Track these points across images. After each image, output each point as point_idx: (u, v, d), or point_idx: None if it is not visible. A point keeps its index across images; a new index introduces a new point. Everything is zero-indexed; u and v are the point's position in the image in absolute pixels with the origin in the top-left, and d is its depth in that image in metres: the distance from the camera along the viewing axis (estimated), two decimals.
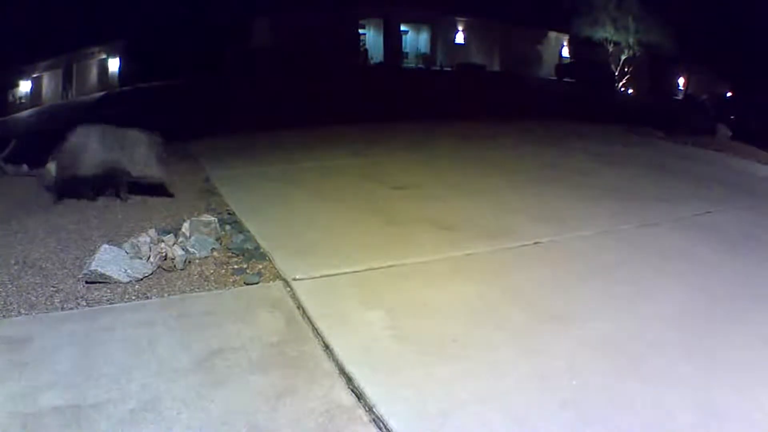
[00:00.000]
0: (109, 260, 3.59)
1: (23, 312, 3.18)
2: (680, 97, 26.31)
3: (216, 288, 3.56)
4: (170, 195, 5.57)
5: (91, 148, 5.37)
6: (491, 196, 5.66)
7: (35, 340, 2.85)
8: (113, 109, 16.81)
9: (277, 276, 3.69)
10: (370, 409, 2.37)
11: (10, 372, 2.58)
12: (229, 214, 4.90)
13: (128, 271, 3.60)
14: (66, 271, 3.74)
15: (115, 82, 22.30)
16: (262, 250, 4.08)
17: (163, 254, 3.79)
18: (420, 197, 5.56)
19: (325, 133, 9.20)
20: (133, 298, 3.40)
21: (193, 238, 4.09)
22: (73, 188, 5.46)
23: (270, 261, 3.90)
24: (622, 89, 24.88)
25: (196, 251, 3.96)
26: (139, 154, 5.44)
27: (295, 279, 3.58)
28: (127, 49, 21.68)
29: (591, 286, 3.64)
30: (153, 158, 5.47)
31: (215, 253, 4.04)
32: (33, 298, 3.34)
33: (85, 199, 5.43)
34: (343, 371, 2.64)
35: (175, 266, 3.76)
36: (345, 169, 6.65)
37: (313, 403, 2.42)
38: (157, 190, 5.54)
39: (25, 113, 20.38)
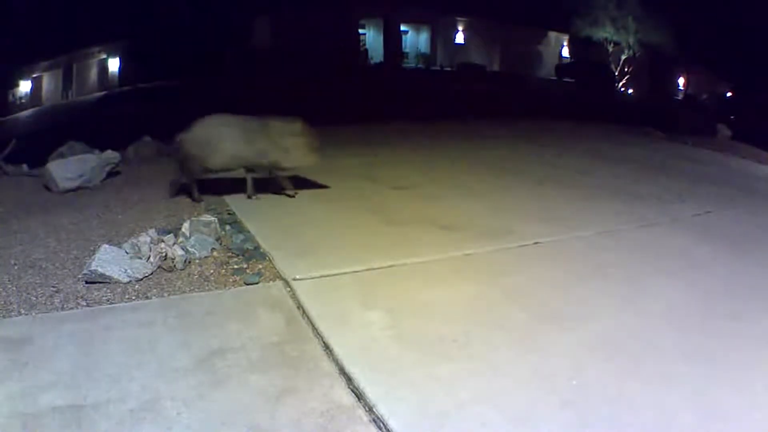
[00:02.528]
0: (109, 260, 3.59)
1: (23, 312, 3.18)
2: (680, 97, 26.32)
3: (216, 288, 3.56)
4: (325, 186, 5.49)
5: (227, 140, 5.03)
6: (491, 196, 5.66)
7: (35, 340, 2.85)
8: (113, 108, 16.83)
9: (277, 276, 3.69)
10: (370, 409, 2.37)
11: (10, 372, 2.58)
12: (229, 214, 4.90)
13: (128, 271, 3.60)
14: (66, 271, 3.74)
15: (115, 82, 22.31)
16: (262, 250, 4.08)
17: (163, 254, 3.79)
18: (420, 197, 5.56)
19: (325, 133, 9.15)
20: (133, 298, 3.40)
21: (193, 238, 4.09)
22: (204, 183, 5.16)
23: (270, 261, 3.90)
24: (622, 89, 24.88)
25: (196, 251, 3.96)
26: (286, 139, 5.14)
27: (295, 279, 3.58)
28: (127, 49, 21.68)
29: (591, 286, 3.64)
30: (302, 141, 5.19)
31: (215, 253, 4.04)
32: (33, 298, 3.34)
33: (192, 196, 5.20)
34: (343, 371, 2.64)
35: (175, 266, 3.76)
36: (345, 169, 6.64)
37: (313, 403, 2.42)
38: (309, 181, 5.48)
39: (25, 113, 20.39)
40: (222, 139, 5.03)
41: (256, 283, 3.61)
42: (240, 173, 5.34)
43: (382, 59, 25.35)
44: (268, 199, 5.35)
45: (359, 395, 2.46)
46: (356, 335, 2.95)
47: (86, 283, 3.53)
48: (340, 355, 2.74)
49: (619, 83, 24.73)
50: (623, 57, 24.33)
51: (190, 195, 5.28)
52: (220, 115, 5.18)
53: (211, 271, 3.80)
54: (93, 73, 23.10)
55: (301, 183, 5.66)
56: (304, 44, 20.82)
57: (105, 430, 2.23)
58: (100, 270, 3.52)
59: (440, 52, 27.56)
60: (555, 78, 26.71)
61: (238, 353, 2.79)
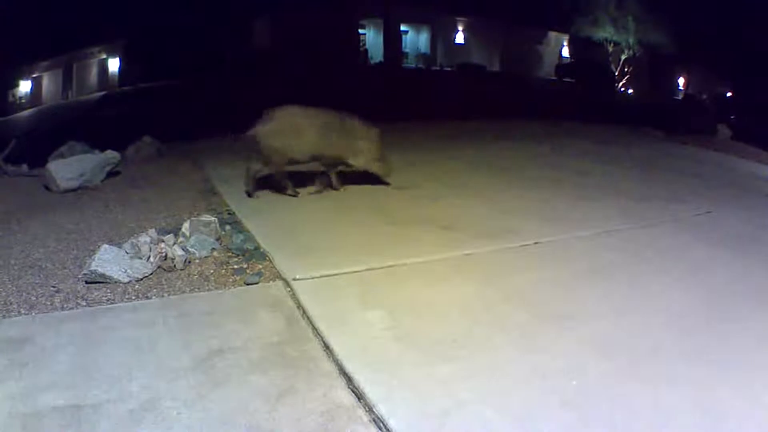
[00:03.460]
0: (109, 260, 3.59)
1: (23, 312, 3.18)
2: (680, 97, 26.31)
3: (216, 288, 3.56)
4: (387, 183, 5.55)
5: (308, 132, 5.06)
6: (491, 196, 5.66)
7: (35, 340, 2.85)
8: (113, 108, 16.82)
9: (277, 276, 3.69)
10: (370, 409, 2.37)
11: (10, 372, 2.58)
12: (229, 214, 4.90)
13: (128, 271, 3.60)
14: (66, 271, 3.74)
15: (115, 82, 22.31)
16: (262, 250, 4.08)
17: (163, 254, 3.79)
18: (420, 197, 5.56)
19: None
20: (133, 298, 3.40)
21: (193, 238, 4.09)
22: (280, 177, 5.24)
23: (270, 261, 3.90)
24: (622, 89, 24.88)
25: (196, 251, 3.96)
26: (359, 142, 5.27)
27: (295, 279, 3.58)
28: (127, 49, 21.68)
29: (591, 286, 3.64)
30: (375, 149, 5.34)
31: (215, 253, 4.04)
32: (33, 298, 3.34)
33: (287, 191, 5.27)
34: (343, 371, 2.64)
35: (175, 266, 3.77)
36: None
37: (313, 403, 2.42)
38: (371, 178, 5.55)
39: (25, 113, 20.39)
40: (306, 131, 5.08)
41: (256, 283, 3.61)
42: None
43: (382, 59, 25.35)
44: (267, 199, 5.35)
45: (359, 395, 2.46)
46: (356, 335, 2.95)
47: (86, 283, 3.53)
48: (340, 355, 2.74)
49: (619, 83, 24.73)
50: (623, 57, 24.33)
51: (279, 189, 5.36)
52: (297, 107, 5.24)
53: (211, 271, 3.80)
54: (93, 73, 23.10)
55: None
56: (304, 44, 20.81)
57: (105, 430, 2.23)
58: (100, 270, 3.52)
59: (440, 52, 27.56)
60: (555, 78, 26.70)
61: (238, 353, 2.79)
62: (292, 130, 5.06)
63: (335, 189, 5.40)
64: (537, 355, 2.81)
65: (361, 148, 5.31)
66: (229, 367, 2.67)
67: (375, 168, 5.47)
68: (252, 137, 5.10)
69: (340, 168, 5.44)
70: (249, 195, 5.27)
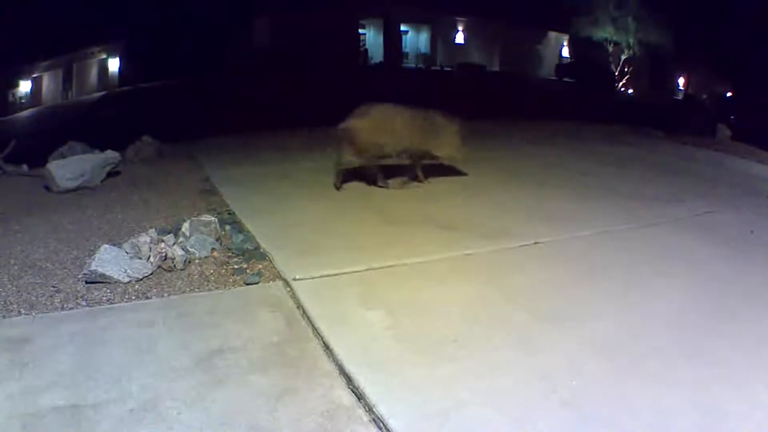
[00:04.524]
0: (109, 260, 3.59)
1: (23, 312, 3.18)
2: (680, 97, 26.31)
3: (216, 288, 3.56)
4: (464, 174, 5.87)
5: (402, 126, 5.33)
6: (491, 196, 5.66)
7: (35, 340, 2.85)
8: (113, 108, 16.83)
9: (277, 276, 3.69)
10: (370, 409, 2.37)
11: (10, 372, 2.58)
12: (229, 214, 4.90)
13: (128, 271, 3.60)
14: (66, 271, 3.74)
15: (115, 82, 22.32)
16: (262, 250, 4.08)
17: (163, 254, 3.79)
18: (419, 196, 5.56)
19: (326, 133, 9.16)
20: (133, 298, 3.40)
21: (193, 238, 4.09)
22: (367, 170, 5.55)
23: (270, 261, 3.90)
24: (622, 89, 24.88)
25: (196, 251, 3.96)
26: (444, 136, 5.54)
27: (295, 279, 3.58)
28: (127, 49, 21.69)
29: (591, 286, 3.64)
30: (457, 141, 5.60)
31: (215, 253, 4.04)
32: (33, 298, 3.34)
33: (378, 183, 5.55)
34: (343, 371, 2.64)
35: (175, 266, 3.77)
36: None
37: (313, 403, 2.42)
38: (450, 170, 5.86)
39: (25, 113, 20.40)
40: (398, 127, 5.39)
41: (256, 283, 3.61)
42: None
43: (382, 59, 25.36)
44: (268, 199, 5.35)
45: (359, 395, 2.46)
46: (356, 335, 2.95)
47: (86, 283, 3.53)
48: (340, 355, 2.74)
49: (619, 83, 24.73)
50: (623, 57, 24.33)
51: (374, 182, 5.67)
52: (384, 104, 5.53)
53: (211, 271, 3.80)
54: (93, 73, 23.11)
55: (316, 185, 5.65)
56: (304, 44, 20.82)
57: (105, 430, 2.23)
58: (100, 270, 3.52)
59: (440, 52, 27.57)
60: (555, 78, 26.71)
61: (238, 353, 2.79)
62: (386, 126, 5.36)
63: (420, 181, 5.73)
64: (537, 355, 2.81)
65: (444, 141, 5.59)
66: (229, 366, 2.67)
67: (457, 159, 5.76)
68: (346, 130, 5.37)
69: (425, 161, 5.74)
70: (336, 187, 5.58)
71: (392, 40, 25.84)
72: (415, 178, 5.82)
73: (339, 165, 5.57)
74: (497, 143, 8.80)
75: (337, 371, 2.65)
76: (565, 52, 29.37)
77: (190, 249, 3.96)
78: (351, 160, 5.52)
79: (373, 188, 5.81)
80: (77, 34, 19.03)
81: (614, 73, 24.70)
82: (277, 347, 2.85)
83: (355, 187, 5.89)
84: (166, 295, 3.45)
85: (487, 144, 8.68)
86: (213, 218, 4.36)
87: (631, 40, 23.77)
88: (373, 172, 5.63)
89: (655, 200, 5.67)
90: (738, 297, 3.55)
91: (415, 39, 27.78)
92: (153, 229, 4.17)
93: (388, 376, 2.58)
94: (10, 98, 20.80)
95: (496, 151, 8.16)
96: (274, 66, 19.25)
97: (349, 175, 5.68)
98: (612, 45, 24.33)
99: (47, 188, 5.81)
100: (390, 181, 5.73)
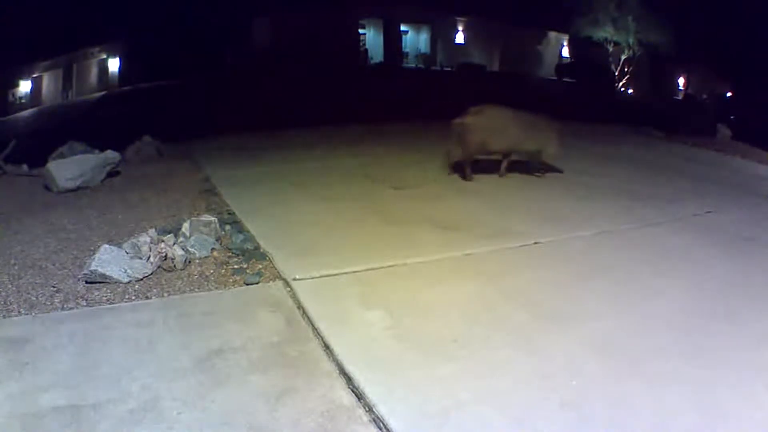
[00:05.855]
0: (109, 260, 3.59)
1: (23, 312, 3.18)
2: (680, 97, 26.30)
3: (216, 288, 3.56)
4: (560, 171, 6.39)
5: (509, 125, 5.90)
6: (491, 196, 5.66)
7: (35, 340, 2.85)
8: (113, 108, 16.83)
9: (277, 276, 3.69)
10: (370, 409, 2.37)
11: (10, 372, 2.58)
12: (229, 214, 4.90)
13: (128, 271, 3.60)
14: (66, 271, 3.74)
15: (115, 82, 22.31)
16: (262, 250, 4.08)
17: (163, 254, 3.79)
18: (419, 197, 5.56)
19: (326, 133, 9.20)
20: (133, 298, 3.40)
21: (193, 238, 4.09)
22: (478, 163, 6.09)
23: (270, 261, 3.90)
24: (622, 89, 24.86)
25: (196, 251, 3.96)
26: (545, 136, 6.02)
27: (295, 279, 3.58)
28: (127, 49, 21.68)
29: (591, 286, 3.64)
30: (556, 141, 6.08)
31: (215, 253, 4.04)
32: (33, 298, 3.34)
33: (465, 176, 6.09)
34: (343, 371, 2.64)
35: (175, 266, 3.76)
36: (345, 169, 6.65)
37: (313, 403, 2.42)
38: (548, 167, 6.35)
39: (25, 113, 20.40)
40: (507, 127, 5.90)
41: (256, 283, 3.61)
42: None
43: (382, 59, 25.34)
44: (268, 199, 5.35)
45: (359, 395, 2.46)
46: (356, 335, 2.95)
47: (86, 283, 3.53)
48: (340, 355, 2.74)
49: (619, 83, 24.72)
50: (623, 57, 24.30)
51: (462, 174, 6.14)
52: (493, 106, 6.06)
53: (211, 271, 3.80)
54: (93, 73, 23.10)
55: (316, 185, 5.66)
56: (303, 44, 20.81)
57: (105, 430, 2.23)
58: (100, 270, 3.52)
59: (440, 52, 27.53)
60: (555, 78, 26.69)
61: (238, 353, 2.79)
62: (495, 124, 5.90)
63: (501, 176, 6.21)
64: (537, 355, 2.81)
65: (544, 142, 6.07)
66: (229, 366, 2.67)
67: (558, 155, 6.21)
68: (460, 125, 5.94)
69: (532, 158, 6.27)
70: (454, 176, 6.17)
71: (392, 40, 25.82)
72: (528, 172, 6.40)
73: (451, 157, 6.15)
74: None
75: (337, 371, 2.65)
76: (565, 52, 29.33)
77: (190, 249, 3.96)
78: (461, 153, 6.05)
79: (373, 189, 5.82)
80: (77, 34, 19.02)
81: (614, 73, 24.68)
82: (277, 347, 2.85)
83: (354, 187, 5.90)
84: (166, 295, 3.45)
85: None
86: (213, 218, 4.36)
87: (631, 40, 23.73)
88: (464, 164, 6.13)
89: (655, 200, 5.67)
90: (738, 297, 3.55)
91: (415, 39, 27.76)
92: (153, 229, 4.16)
93: (388, 376, 2.58)
94: (10, 98, 20.80)
95: None
96: (274, 66, 19.25)
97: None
98: (612, 45, 24.30)
99: (47, 188, 5.81)
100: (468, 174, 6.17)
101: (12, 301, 3.29)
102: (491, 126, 5.87)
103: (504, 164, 6.24)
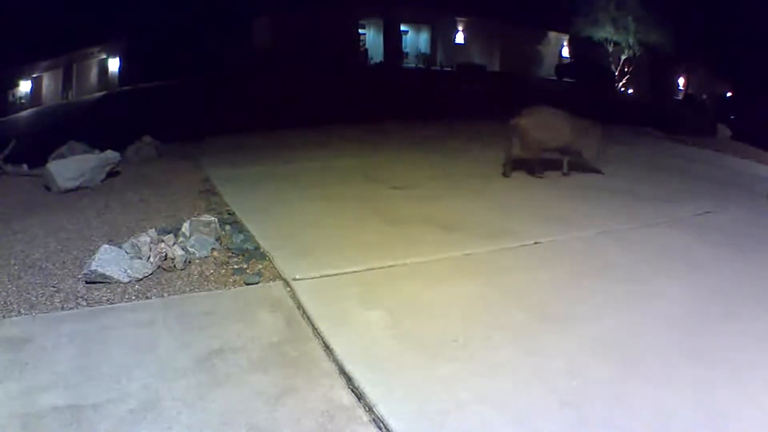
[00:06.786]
0: (109, 260, 3.59)
1: (23, 312, 3.18)
2: (680, 97, 26.30)
3: (216, 288, 3.56)
4: (601, 172, 6.54)
5: (561, 125, 6.23)
6: (491, 196, 5.66)
7: (35, 340, 2.85)
8: (113, 108, 16.82)
9: (277, 276, 3.69)
10: (370, 409, 2.37)
11: (10, 372, 2.59)
12: (229, 214, 4.90)
13: (128, 271, 3.60)
14: (66, 271, 3.74)
15: (115, 82, 22.29)
16: (262, 250, 4.08)
17: (163, 254, 3.79)
18: (420, 197, 5.56)
19: (326, 133, 9.20)
20: (133, 298, 3.40)
21: (193, 238, 4.09)
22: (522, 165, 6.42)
23: (270, 261, 3.90)
24: (622, 89, 24.86)
25: (196, 251, 3.96)
26: (590, 137, 6.32)
27: (295, 279, 3.58)
28: (127, 49, 21.67)
29: (591, 286, 3.64)
30: (597, 142, 6.39)
31: (215, 253, 4.04)
32: (33, 298, 3.34)
33: (536, 173, 6.41)
34: (343, 371, 2.64)
35: (175, 266, 3.76)
36: (345, 169, 6.65)
37: (313, 403, 2.42)
38: (588, 167, 6.57)
39: (25, 113, 20.38)
40: (560, 126, 6.25)
41: (256, 283, 3.61)
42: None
43: (382, 59, 25.34)
44: (268, 199, 5.35)
45: (359, 395, 2.46)
46: (356, 335, 2.95)
47: (86, 283, 3.53)
48: (340, 355, 2.74)
49: (619, 83, 24.72)
50: (623, 57, 24.30)
51: (532, 172, 6.47)
52: (546, 107, 6.45)
53: (211, 271, 3.80)
54: (93, 73, 23.08)
55: (316, 185, 5.66)
56: (303, 44, 20.80)
57: (105, 430, 2.23)
58: (100, 270, 3.52)
59: (440, 52, 27.54)
60: (555, 78, 26.69)
61: (238, 353, 2.79)
62: (548, 124, 6.24)
63: (565, 174, 6.50)
64: (537, 355, 2.81)
65: (589, 142, 6.36)
66: (229, 366, 2.67)
67: (596, 159, 6.50)
68: (515, 127, 6.29)
69: (576, 157, 6.52)
70: (505, 175, 6.42)
71: (392, 40, 25.81)
72: (562, 172, 6.61)
73: (508, 156, 6.42)
74: (497, 143, 8.79)
75: (337, 371, 2.65)
76: (565, 52, 29.33)
77: (190, 249, 3.96)
78: (518, 152, 6.35)
79: (373, 189, 5.82)
80: (77, 34, 19.00)
81: (614, 73, 24.68)
82: (277, 347, 2.85)
83: (355, 187, 5.89)
84: (166, 295, 3.45)
85: (487, 143, 8.68)
86: (213, 218, 4.36)
87: (631, 40, 23.74)
88: (533, 163, 6.44)
89: (655, 200, 5.67)
90: (738, 297, 3.55)
91: (415, 39, 27.76)
92: (153, 229, 4.17)
93: (388, 376, 2.58)
94: (10, 98, 20.78)
95: (497, 149, 8.15)
96: (274, 66, 19.24)
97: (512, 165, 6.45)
98: (612, 45, 24.30)
99: (47, 188, 5.81)
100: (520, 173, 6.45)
101: (12, 301, 3.29)
102: (546, 125, 6.21)
103: (565, 163, 6.57)
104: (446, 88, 19.12)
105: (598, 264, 4.03)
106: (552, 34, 28.79)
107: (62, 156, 6.38)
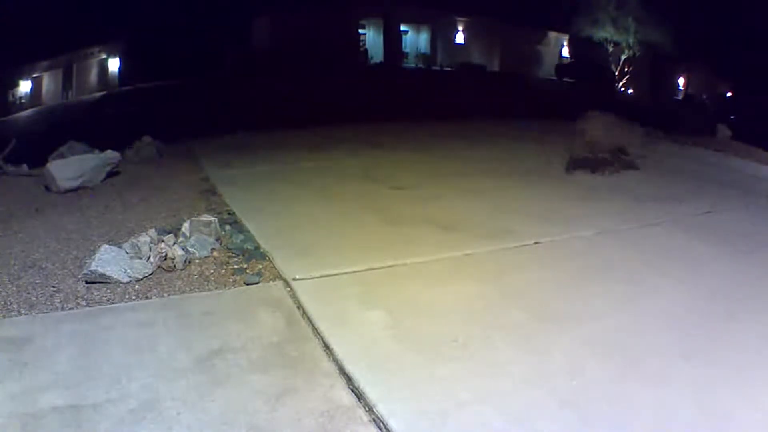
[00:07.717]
0: (109, 260, 3.59)
1: (23, 312, 3.18)
2: (680, 97, 26.32)
3: (216, 288, 3.56)
4: (637, 168, 6.97)
5: (601, 130, 7.10)
6: (491, 196, 5.66)
7: (35, 340, 2.85)
8: (113, 108, 16.83)
9: (277, 276, 3.69)
10: (370, 409, 2.37)
11: (10, 372, 2.58)
12: (229, 214, 4.90)
13: (128, 271, 3.60)
14: (66, 271, 3.74)
15: (115, 82, 22.30)
16: (262, 250, 4.08)
17: (163, 254, 3.79)
18: (420, 197, 5.56)
19: (325, 133, 9.20)
20: (133, 298, 3.40)
21: (193, 238, 4.09)
22: (585, 163, 6.92)
23: (270, 261, 3.90)
24: (622, 89, 24.87)
25: (196, 251, 3.96)
26: (632, 137, 7.23)
27: (295, 279, 3.58)
28: (127, 49, 21.67)
29: (591, 286, 3.64)
30: (639, 141, 7.29)
31: (215, 253, 4.04)
32: (33, 298, 3.34)
33: (593, 171, 6.73)
34: (343, 371, 2.64)
35: (175, 266, 3.76)
36: (345, 169, 6.65)
37: (313, 403, 2.42)
38: (630, 165, 6.97)
39: (25, 113, 20.39)
40: (616, 127, 7.28)
41: (257, 283, 3.61)
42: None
43: (382, 59, 25.33)
44: (268, 199, 5.35)
45: (359, 395, 2.46)
46: (356, 335, 2.95)
47: (86, 283, 3.53)
48: (340, 355, 2.74)
49: (619, 83, 24.72)
50: (623, 57, 24.31)
51: (592, 170, 6.85)
52: (597, 111, 7.47)
53: (211, 271, 3.80)
54: (93, 73, 23.09)
55: (315, 185, 5.66)
56: (303, 44, 20.80)
57: (105, 430, 2.23)
58: (100, 270, 3.52)
59: (440, 52, 27.54)
60: (555, 78, 26.70)
61: (238, 353, 2.79)
62: (611, 125, 7.24)
63: (617, 172, 6.84)
64: (537, 355, 2.81)
65: (632, 143, 7.32)
66: (229, 367, 2.67)
67: (639, 152, 7.28)
68: (580, 129, 7.31)
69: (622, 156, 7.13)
70: (569, 172, 6.81)
71: (392, 40, 25.79)
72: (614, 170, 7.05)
73: (572, 156, 7.03)
74: (499, 143, 8.80)
75: (337, 371, 2.65)
76: (565, 52, 29.34)
77: (190, 249, 3.96)
78: (581, 152, 7.04)
79: (373, 189, 5.82)
80: (77, 34, 19.01)
81: (614, 72, 24.68)
82: (277, 347, 2.85)
83: (355, 187, 5.90)
84: (166, 295, 3.45)
85: (488, 143, 8.69)
86: (213, 218, 4.35)
87: (631, 40, 23.74)
88: (596, 162, 6.88)
89: (655, 200, 5.67)
90: (738, 297, 3.55)
91: (415, 39, 27.76)
92: (153, 229, 4.16)
93: (388, 376, 2.58)
94: (10, 98, 20.79)
95: (497, 150, 8.16)
96: (274, 66, 19.24)
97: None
98: (612, 45, 24.31)
99: (47, 188, 5.81)
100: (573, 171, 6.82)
101: (12, 301, 3.29)
102: (607, 126, 7.17)
103: (616, 162, 7.07)
104: (446, 89, 19.11)
105: (598, 264, 4.03)
106: (552, 34, 28.81)
107: (62, 156, 6.38)
